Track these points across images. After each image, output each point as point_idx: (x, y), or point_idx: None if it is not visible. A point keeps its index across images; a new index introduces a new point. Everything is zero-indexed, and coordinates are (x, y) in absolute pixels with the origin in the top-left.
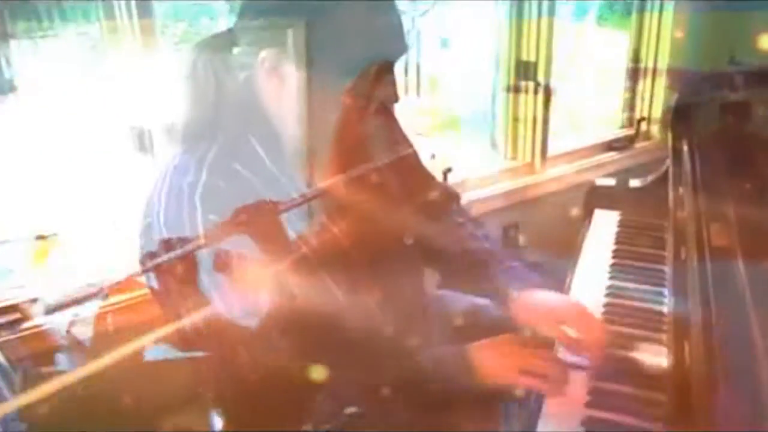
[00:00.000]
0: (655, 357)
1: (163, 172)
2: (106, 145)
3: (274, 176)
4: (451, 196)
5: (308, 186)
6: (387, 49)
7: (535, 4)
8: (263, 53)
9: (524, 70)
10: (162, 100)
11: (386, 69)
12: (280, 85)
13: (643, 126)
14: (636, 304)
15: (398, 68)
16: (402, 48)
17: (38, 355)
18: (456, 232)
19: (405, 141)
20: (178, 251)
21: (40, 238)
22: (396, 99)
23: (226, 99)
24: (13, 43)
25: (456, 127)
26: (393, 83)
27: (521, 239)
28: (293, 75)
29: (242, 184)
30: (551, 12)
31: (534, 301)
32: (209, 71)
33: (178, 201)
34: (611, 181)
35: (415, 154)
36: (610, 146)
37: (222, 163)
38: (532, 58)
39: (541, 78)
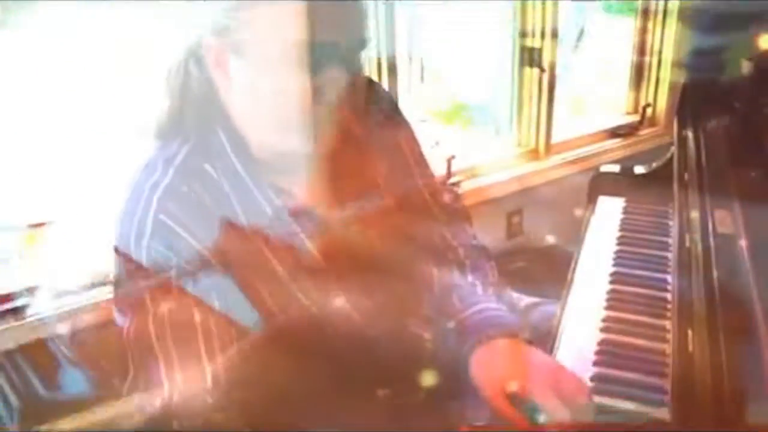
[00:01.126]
0: (658, 344)
1: (135, 170)
2: (105, 132)
3: (241, 179)
4: (457, 214)
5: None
6: (333, 45)
7: None
8: (206, 41)
9: (529, 56)
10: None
11: (334, 69)
12: (227, 78)
13: (648, 112)
14: (640, 290)
15: (402, 56)
16: (355, 45)
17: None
18: (443, 258)
19: (405, 148)
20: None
21: (33, 226)
22: (359, 101)
23: (193, 97)
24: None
25: (459, 114)
26: (346, 84)
27: (525, 226)
28: (237, 67)
29: (209, 186)
30: None
31: (493, 360)
32: (181, 67)
33: (138, 200)
34: (616, 168)
35: (416, 165)
36: (614, 133)
37: (192, 163)
38: (537, 44)
39: (545, 64)
